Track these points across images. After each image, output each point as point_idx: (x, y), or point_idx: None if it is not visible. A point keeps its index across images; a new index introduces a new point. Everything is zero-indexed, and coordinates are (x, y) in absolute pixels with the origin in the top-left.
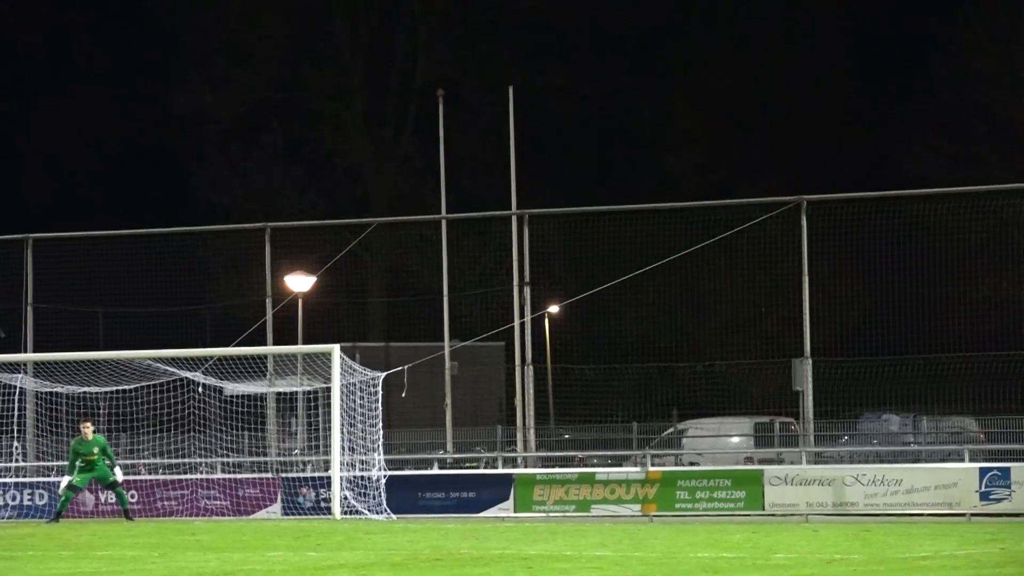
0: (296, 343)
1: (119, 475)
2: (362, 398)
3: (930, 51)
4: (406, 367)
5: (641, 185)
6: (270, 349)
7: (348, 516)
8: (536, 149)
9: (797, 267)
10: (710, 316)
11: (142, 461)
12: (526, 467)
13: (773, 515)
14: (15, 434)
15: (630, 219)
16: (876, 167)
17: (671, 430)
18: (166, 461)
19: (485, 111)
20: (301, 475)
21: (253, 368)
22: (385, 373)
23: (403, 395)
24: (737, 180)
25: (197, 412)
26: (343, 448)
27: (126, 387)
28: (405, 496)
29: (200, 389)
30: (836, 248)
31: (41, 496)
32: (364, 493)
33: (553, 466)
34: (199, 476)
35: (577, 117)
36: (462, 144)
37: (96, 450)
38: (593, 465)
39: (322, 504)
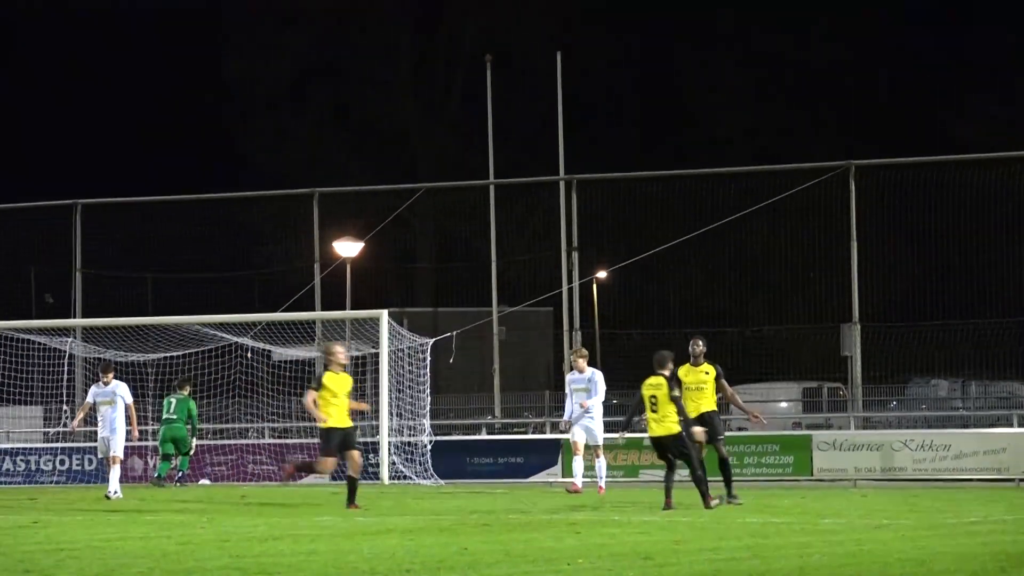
0: (344, 308)
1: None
2: (410, 364)
3: (982, 12)
4: (454, 332)
5: (689, 150)
6: (318, 315)
7: (396, 481)
8: (584, 114)
9: (845, 232)
10: (758, 281)
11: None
12: None
13: (821, 480)
14: (64, 400)
15: (678, 184)
16: (925, 132)
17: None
18: (214, 426)
19: (533, 76)
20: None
21: (301, 333)
22: (433, 339)
23: (451, 360)
24: (785, 145)
25: (245, 377)
26: (391, 414)
27: (175, 353)
28: (453, 461)
29: (248, 355)
30: (884, 213)
31: (90, 461)
32: (411, 458)
33: None
34: (247, 441)
35: (625, 82)
36: (510, 109)
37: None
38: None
39: (370, 469)
